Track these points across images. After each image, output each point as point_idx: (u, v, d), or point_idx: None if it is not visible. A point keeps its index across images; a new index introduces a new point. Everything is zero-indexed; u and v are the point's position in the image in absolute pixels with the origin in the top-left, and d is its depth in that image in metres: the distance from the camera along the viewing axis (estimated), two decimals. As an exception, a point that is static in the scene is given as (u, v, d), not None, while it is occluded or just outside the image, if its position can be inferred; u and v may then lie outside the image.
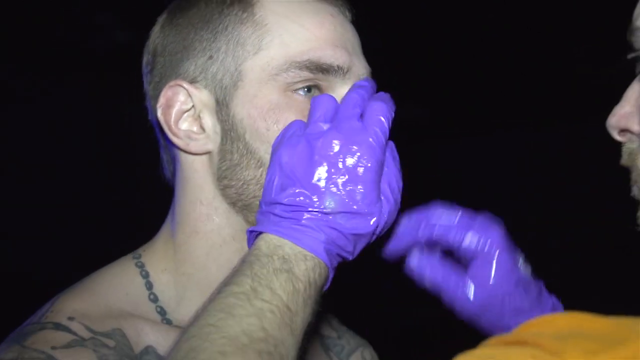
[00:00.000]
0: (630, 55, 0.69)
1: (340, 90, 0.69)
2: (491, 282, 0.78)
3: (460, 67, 4.16)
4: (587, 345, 0.51)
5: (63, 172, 3.31)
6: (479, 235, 0.76)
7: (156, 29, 0.73)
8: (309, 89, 0.69)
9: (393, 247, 0.77)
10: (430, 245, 0.79)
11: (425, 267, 0.78)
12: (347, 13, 0.73)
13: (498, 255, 0.77)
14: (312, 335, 0.69)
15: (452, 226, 0.77)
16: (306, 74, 0.67)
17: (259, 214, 0.66)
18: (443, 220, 0.78)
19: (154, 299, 0.70)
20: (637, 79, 0.66)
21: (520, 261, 0.80)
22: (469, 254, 0.77)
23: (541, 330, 0.54)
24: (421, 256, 0.78)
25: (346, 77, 0.69)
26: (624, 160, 0.69)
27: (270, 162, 0.66)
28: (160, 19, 0.73)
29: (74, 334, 0.65)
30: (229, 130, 0.68)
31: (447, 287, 0.78)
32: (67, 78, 3.30)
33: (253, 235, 0.65)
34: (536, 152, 4.54)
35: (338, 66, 0.68)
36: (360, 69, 0.71)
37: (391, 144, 0.68)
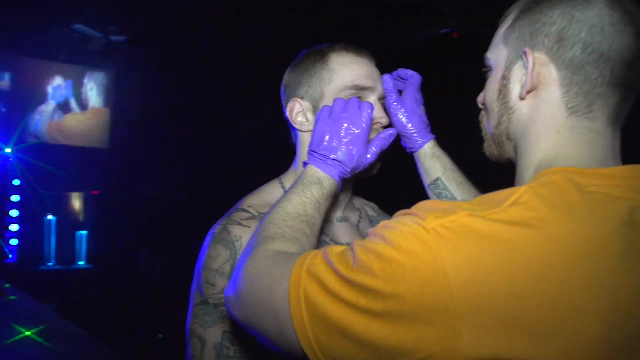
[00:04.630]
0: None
1: (370, 98, 1.36)
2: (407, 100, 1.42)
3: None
4: (436, 214, 0.76)
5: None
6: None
7: (286, 73, 1.46)
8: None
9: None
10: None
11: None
12: (372, 61, 1.40)
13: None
14: (331, 213, 1.35)
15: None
16: (354, 92, 1.35)
17: (308, 154, 1.22)
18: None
19: None
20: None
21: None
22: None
23: (422, 206, 0.81)
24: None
25: (373, 93, 1.37)
26: (481, 117, 1.06)
27: (314, 128, 1.24)
28: (289, 68, 1.45)
29: (250, 213, 1.32)
30: None
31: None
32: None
33: (304, 165, 1.21)
34: None
35: (368, 87, 1.35)
36: (380, 89, 1.37)
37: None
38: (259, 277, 0.89)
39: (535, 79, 0.87)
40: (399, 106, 1.39)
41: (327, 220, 1.38)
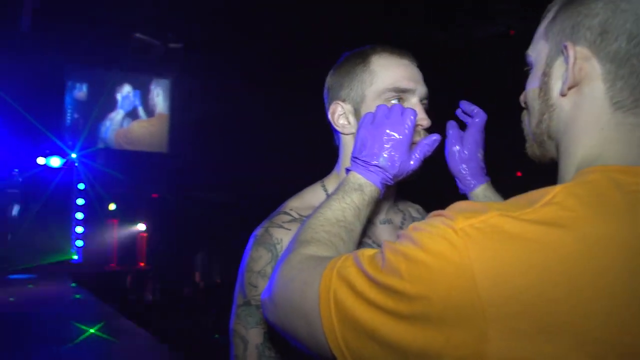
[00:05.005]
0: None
1: (411, 100, 1.35)
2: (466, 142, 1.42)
3: None
4: (466, 214, 0.74)
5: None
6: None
7: (329, 76, 1.46)
8: (397, 100, 1.32)
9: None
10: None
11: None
12: (414, 62, 1.38)
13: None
14: (374, 215, 1.36)
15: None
16: (394, 94, 1.34)
17: (351, 160, 1.19)
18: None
19: None
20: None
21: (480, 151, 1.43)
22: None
23: (455, 207, 0.78)
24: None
25: (414, 94, 1.35)
26: (522, 116, 1.02)
27: (357, 134, 1.21)
28: (331, 71, 1.46)
29: (292, 216, 1.30)
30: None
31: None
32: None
33: (347, 171, 1.20)
34: None
35: (409, 89, 1.33)
36: (422, 91, 1.35)
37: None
38: (291, 280, 0.89)
39: (577, 74, 0.84)
40: (457, 150, 1.41)
41: (369, 222, 1.37)
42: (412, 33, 7.20)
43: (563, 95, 0.88)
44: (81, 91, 10.93)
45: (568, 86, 0.86)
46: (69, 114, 10.79)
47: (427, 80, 1.41)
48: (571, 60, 0.85)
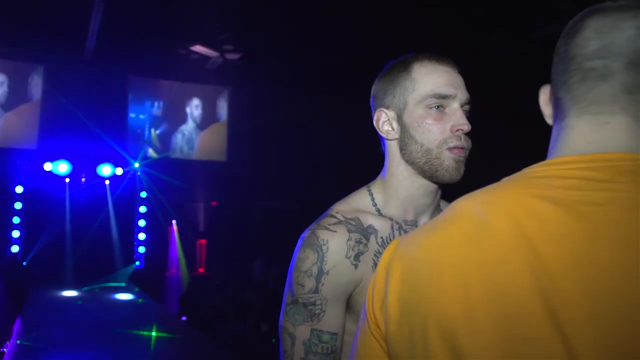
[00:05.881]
0: None
1: (452, 106, 1.37)
2: None
3: None
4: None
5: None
6: None
7: (374, 84, 1.51)
8: (437, 107, 1.33)
9: None
10: None
11: None
12: (455, 68, 1.41)
13: None
14: (419, 218, 1.38)
15: None
16: (435, 100, 1.37)
17: None
18: None
19: (374, 204, 1.38)
20: None
21: None
22: None
23: None
24: None
25: (455, 100, 1.38)
26: None
27: None
28: (377, 79, 1.51)
29: (337, 219, 1.34)
30: (404, 128, 1.37)
31: None
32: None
33: None
34: None
35: (450, 95, 1.36)
36: (462, 96, 1.38)
37: None
38: None
39: None
40: None
41: (413, 225, 1.41)
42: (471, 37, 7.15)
43: None
44: (159, 108, 11.36)
45: None
46: (137, 127, 11.22)
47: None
48: None
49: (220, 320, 7.43)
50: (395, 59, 1.48)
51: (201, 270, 11.26)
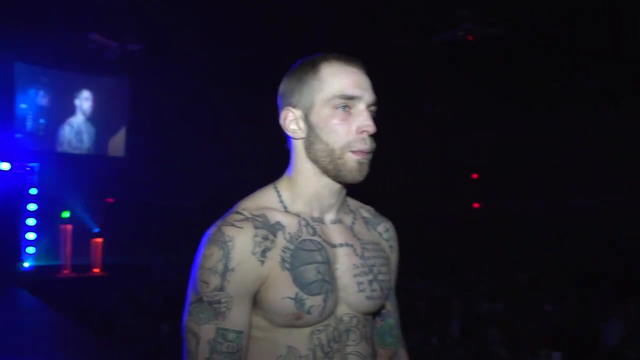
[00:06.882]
0: None
1: (358, 107, 1.40)
2: None
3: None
4: None
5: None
6: None
7: (282, 82, 1.51)
8: (344, 107, 1.34)
9: None
10: None
11: None
12: (363, 69, 1.44)
13: None
14: (324, 215, 1.40)
15: None
16: (341, 101, 1.39)
17: None
18: None
19: (281, 201, 1.38)
20: None
21: None
22: None
23: None
24: None
25: (361, 101, 1.40)
26: None
27: None
28: (284, 78, 1.51)
29: (244, 215, 1.32)
30: (310, 127, 1.37)
31: None
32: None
33: None
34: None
35: (356, 96, 1.39)
36: (369, 97, 1.41)
37: None
38: None
39: None
40: None
41: (320, 221, 1.43)
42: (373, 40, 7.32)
43: None
44: (37, 95, 10.72)
45: None
46: (24, 117, 10.57)
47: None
48: None
49: (117, 322, 7.17)
50: (304, 58, 1.49)
51: (97, 270, 10.78)
